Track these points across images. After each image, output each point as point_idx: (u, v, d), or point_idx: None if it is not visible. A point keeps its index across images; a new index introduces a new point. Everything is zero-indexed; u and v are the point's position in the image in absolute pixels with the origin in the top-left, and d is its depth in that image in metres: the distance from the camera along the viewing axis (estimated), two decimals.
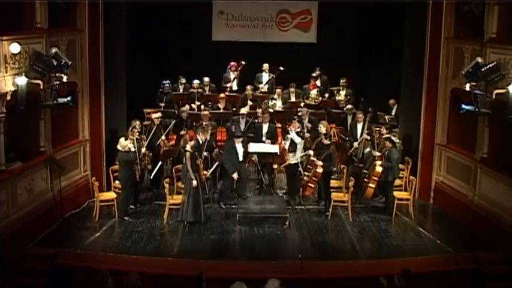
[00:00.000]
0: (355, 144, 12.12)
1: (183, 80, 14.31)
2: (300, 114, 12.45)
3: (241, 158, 10.90)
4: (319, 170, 10.92)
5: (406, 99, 12.60)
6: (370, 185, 11.11)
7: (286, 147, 11.69)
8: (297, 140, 11.29)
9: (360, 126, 12.18)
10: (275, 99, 13.75)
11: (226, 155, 10.94)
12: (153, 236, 10.25)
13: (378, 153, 11.33)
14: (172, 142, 12.23)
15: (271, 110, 13.12)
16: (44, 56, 9.75)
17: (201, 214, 10.62)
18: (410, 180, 11.43)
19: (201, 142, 11.08)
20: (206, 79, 14.22)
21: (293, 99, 13.86)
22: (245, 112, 12.70)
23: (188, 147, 10.53)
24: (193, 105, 13.45)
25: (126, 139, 10.79)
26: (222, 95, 13.50)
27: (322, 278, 9.12)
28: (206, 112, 12.66)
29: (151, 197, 12.02)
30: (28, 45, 9.60)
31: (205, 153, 10.99)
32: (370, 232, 10.61)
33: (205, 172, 10.85)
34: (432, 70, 11.76)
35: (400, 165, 11.61)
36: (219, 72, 14.66)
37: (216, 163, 11.29)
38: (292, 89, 13.96)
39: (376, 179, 11.01)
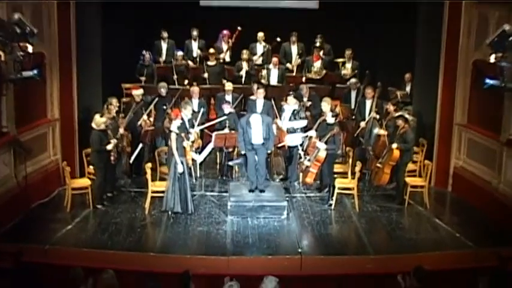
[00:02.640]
0: (363, 123, 12.19)
1: (165, 35, 14.36)
2: (301, 91, 12.53)
3: (258, 139, 10.91)
4: (322, 153, 10.91)
5: (421, 73, 12.57)
6: (386, 170, 11.12)
7: (283, 127, 11.73)
8: (289, 120, 11.52)
9: (368, 103, 12.22)
10: (270, 69, 13.89)
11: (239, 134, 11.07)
12: (133, 229, 10.25)
13: (382, 131, 11.44)
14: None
15: (263, 81, 13.24)
16: (5, 23, 9.58)
17: (187, 203, 10.65)
18: (426, 164, 11.43)
19: (187, 120, 11.13)
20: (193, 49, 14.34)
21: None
22: (230, 88, 12.79)
23: (173, 127, 10.47)
24: (185, 81, 13.70)
25: (101, 116, 10.80)
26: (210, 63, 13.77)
27: (325, 275, 9.11)
28: (195, 87, 12.71)
29: (130, 183, 12.07)
30: None
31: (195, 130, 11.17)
32: (379, 224, 10.65)
33: (192, 156, 10.86)
34: (451, 39, 11.72)
35: (414, 148, 11.66)
36: (208, 43, 14.72)
37: (210, 146, 11.36)
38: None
39: (393, 163, 11.02)
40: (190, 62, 14.41)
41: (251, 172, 10.97)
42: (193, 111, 11.64)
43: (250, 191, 10.98)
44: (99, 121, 10.66)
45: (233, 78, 13.92)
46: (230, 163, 11.89)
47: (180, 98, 12.56)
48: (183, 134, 10.53)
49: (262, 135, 10.78)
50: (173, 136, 10.42)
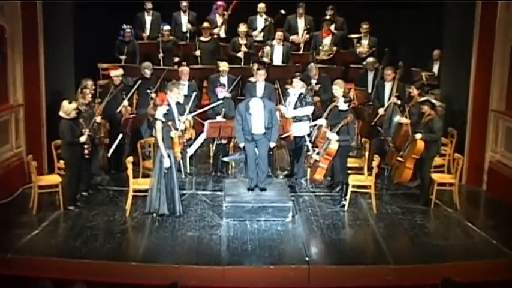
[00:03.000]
0: (381, 110, 12.17)
1: (149, 6, 14.44)
2: (309, 72, 12.55)
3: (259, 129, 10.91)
4: (334, 145, 10.90)
5: (451, 51, 12.63)
6: (408, 165, 11.14)
7: (287, 114, 11.77)
8: (294, 106, 11.54)
9: (388, 86, 12.23)
10: (273, 46, 13.92)
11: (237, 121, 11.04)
12: (112, 234, 10.24)
13: (404, 119, 11.45)
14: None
15: (265, 59, 13.27)
16: None
17: (175, 204, 10.67)
18: (456, 158, 11.38)
19: (174, 106, 11.16)
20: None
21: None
22: (225, 68, 12.82)
23: (158, 115, 10.49)
24: (173, 60, 13.75)
25: (70, 102, 10.74)
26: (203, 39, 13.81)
27: None
28: (185, 68, 12.75)
29: (108, 181, 12.15)
30: None
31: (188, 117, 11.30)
32: (401, 228, 10.66)
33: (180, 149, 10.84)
34: (487, 14, 11.72)
35: (442, 138, 11.67)
36: (200, 16, 14.81)
37: (202, 136, 11.44)
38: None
39: (417, 157, 11.05)
40: (179, 38, 14.48)
41: (251, 167, 10.94)
42: (183, 95, 11.76)
43: (250, 189, 10.98)
44: (68, 108, 10.62)
45: (229, 57, 13.97)
46: (225, 159, 11.97)
47: (166, 80, 12.54)
48: (170, 123, 10.52)
49: (264, 123, 10.76)
50: (158, 125, 10.40)
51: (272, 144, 10.98)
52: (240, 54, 13.96)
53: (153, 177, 10.62)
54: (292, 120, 11.73)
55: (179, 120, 11.09)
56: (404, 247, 10.19)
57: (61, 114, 10.67)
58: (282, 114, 11.74)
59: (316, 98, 12.44)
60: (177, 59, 14.10)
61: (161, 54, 13.77)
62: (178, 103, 11.32)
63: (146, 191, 10.74)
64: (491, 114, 12.06)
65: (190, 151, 11.54)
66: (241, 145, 10.94)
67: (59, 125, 10.72)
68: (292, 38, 14.53)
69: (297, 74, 12.21)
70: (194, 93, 11.90)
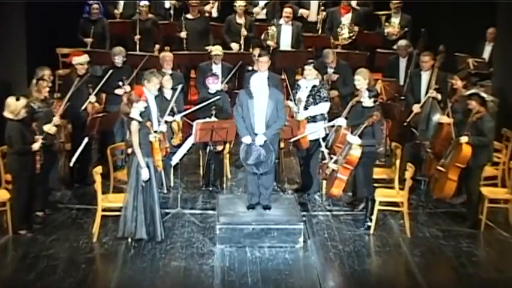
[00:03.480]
0: (416, 107, 12.15)
1: None
2: (324, 59, 12.55)
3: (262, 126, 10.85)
4: (356, 151, 10.82)
5: (506, 33, 12.60)
6: (451, 176, 11.13)
7: (299, 115, 11.75)
8: (306, 102, 11.50)
9: (425, 76, 12.21)
10: (280, 26, 13.95)
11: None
12: (75, 264, 10.15)
13: (445, 118, 11.49)
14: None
15: (270, 43, 13.35)
16: None
17: (156, 226, 10.67)
18: None
19: (153, 101, 11.16)
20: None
21: None
22: (219, 53, 12.82)
23: (134, 113, 10.43)
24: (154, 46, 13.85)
25: (18, 99, 10.64)
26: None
27: None
28: (168, 53, 12.75)
29: (70, 197, 12.15)
30: None
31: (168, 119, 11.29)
32: (442, 256, 10.62)
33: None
34: None
35: (494, 143, 11.65)
36: None
37: (190, 141, 11.49)
38: None
39: (462, 166, 11.04)
40: (160, 17, 14.60)
41: (251, 180, 10.94)
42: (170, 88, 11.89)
43: (250, 207, 10.99)
44: (16, 107, 10.54)
45: (223, 40, 14.07)
46: (173, 162, 11.56)
47: (144, 69, 12.41)
48: (148, 123, 10.52)
49: (267, 120, 10.74)
50: (134, 126, 10.34)
51: (260, 140, 10.69)
52: (238, 39, 13.98)
53: (127, 192, 10.58)
54: (305, 120, 11.76)
55: (159, 120, 11.11)
56: (447, 280, 10.15)
57: (7, 114, 10.59)
58: (291, 113, 11.76)
59: (334, 92, 12.55)
60: (157, 47, 14.07)
61: (137, 37, 13.78)
62: (158, 97, 11.34)
63: (119, 209, 10.69)
64: None
65: (175, 160, 11.45)
66: (247, 140, 10.79)
67: (4, 128, 10.66)
68: (302, 11, 14.59)
69: (310, 61, 12.12)
70: (180, 86, 11.91)
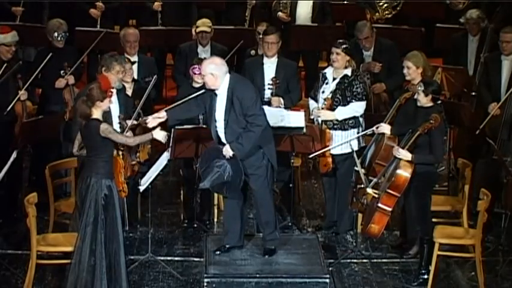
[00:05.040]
0: (493, 107, 10.91)
1: None
2: (359, 38, 11.65)
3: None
4: (405, 171, 9.47)
5: None
6: None
7: (320, 117, 10.64)
8: (332, 99, 10.57)
9: (507, 63, 11.13)
10: None
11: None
12: None
13: None
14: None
15: (281, 15, 13.00)
16: None
17: (118, 280, 9.28)
18: None
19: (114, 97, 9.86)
20: None
21: None
22: (207, 29, 12.04)
23: (97, 114, 9.11)
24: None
25: None
26: None
27: None
28: (131, 30, 11.84)
29: None
30: None
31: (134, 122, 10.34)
32: None
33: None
34: None
35: None
36: None
37: (164, 158, 10.01)
38: None
39: None
40: None
41: (226, 206, 10.07)
42: (133, 79, 10.86)
43: (220, 249, 9.76)
44: None
45: (215, 12, 13.72)
46: (141, 184, 10.23)
47: (98, 53, 12.45)
48: (113, 128, 9.41)
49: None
50: (107, 128, 9.12)
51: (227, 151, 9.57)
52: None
53: (79, 230, 9.19)
54: (328, 127, 10.60)
55: (123, 125, 10.05)
56: None
57: None
58: (313, 117, 10.66)
59: (381, 86, 11.53)
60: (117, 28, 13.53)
61: (88, 8, 13.24)
62: (120, 92, 10.23)
63: (65, 257, 9.28)
64: None
65: (144, 183, 9.84)
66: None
67: None
68: None
69: (340, 41, 10.74)
70: (154, 78, 10.48)
